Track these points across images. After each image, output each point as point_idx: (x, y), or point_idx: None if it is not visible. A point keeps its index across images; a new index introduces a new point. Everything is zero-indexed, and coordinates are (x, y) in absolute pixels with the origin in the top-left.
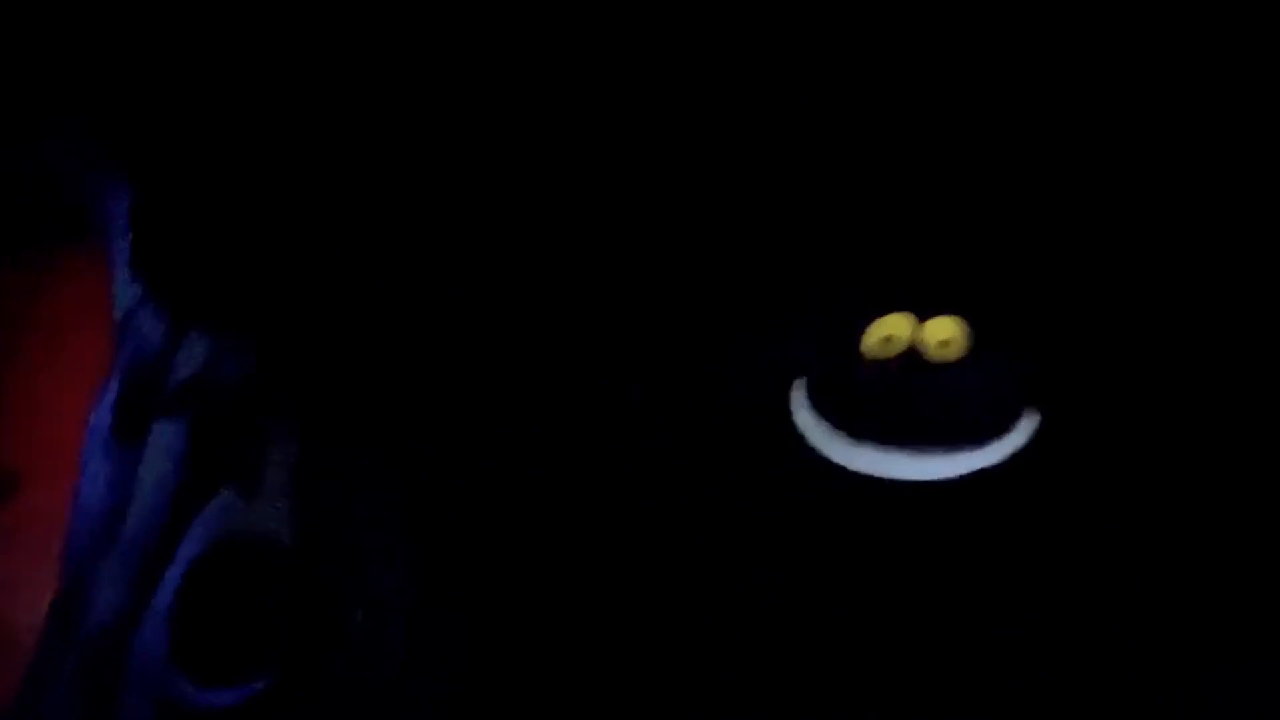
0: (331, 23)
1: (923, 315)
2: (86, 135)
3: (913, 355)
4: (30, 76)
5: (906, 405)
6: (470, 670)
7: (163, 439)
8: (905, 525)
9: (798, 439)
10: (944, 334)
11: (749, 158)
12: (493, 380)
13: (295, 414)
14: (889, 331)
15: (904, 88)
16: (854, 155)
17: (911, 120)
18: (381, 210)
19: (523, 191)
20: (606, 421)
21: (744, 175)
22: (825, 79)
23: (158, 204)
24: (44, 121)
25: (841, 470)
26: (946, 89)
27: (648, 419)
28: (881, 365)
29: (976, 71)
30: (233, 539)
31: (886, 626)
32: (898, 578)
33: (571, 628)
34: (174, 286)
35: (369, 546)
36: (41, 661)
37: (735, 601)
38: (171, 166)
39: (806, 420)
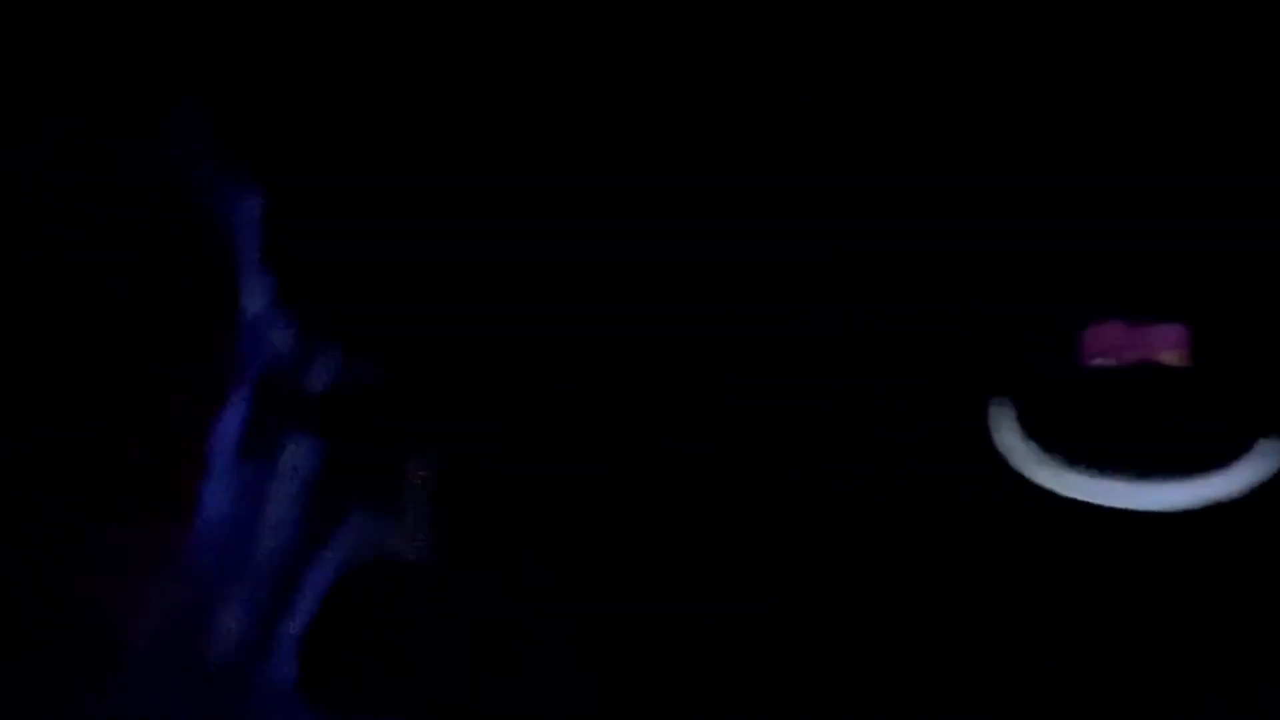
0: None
1: (1147, 322)
2: (212, 133)
3: (1137, 367)
4: (155, 69)
5: (1127, 424)
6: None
7: (293, 455)
8: (1119, 559)
9: (998, 461)
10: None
11: (945, 151)
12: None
13: (434, 429)
14: (1108, 340)
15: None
16: (1069, 142)
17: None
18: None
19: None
20: (792, 442)
21: (938, 169)
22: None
23: (290, 204)
24: (167, 119)
25: (1049, 495)
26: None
27: (831, 440)
28: (1099, 379)
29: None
30: (367, 563)
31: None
32: (1104, 617)
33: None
34: (306, 292)
35: (505, 571)
36: (163, 689)
37: (914, 640)
38: (306, 164)
39: (1010, 441)
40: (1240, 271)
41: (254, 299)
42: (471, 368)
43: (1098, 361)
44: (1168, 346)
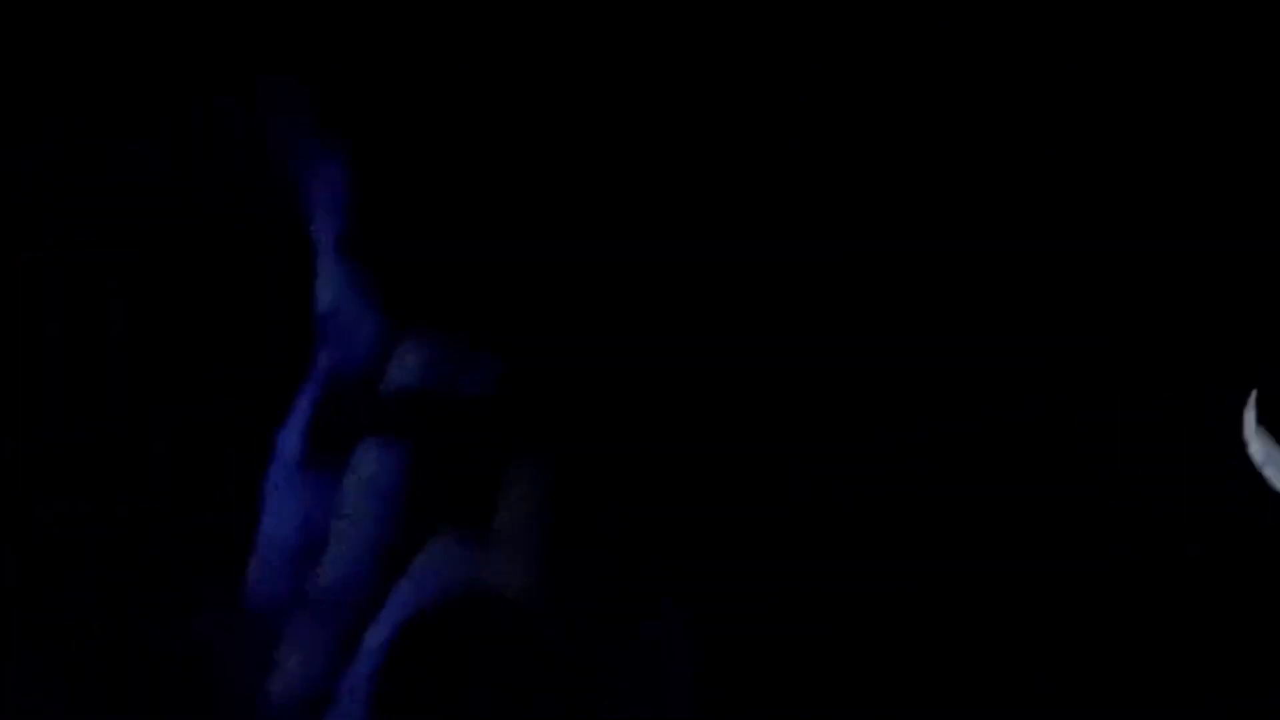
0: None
1: None
2: (299, 98)
3: None
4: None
5: None
6: None
7: (369, 466)
8: None
9: (1251, 472)
10: None
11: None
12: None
13: (542, 437)
14: None
15: None
16: None
17: None
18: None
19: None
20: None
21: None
22: None
23: (376, 178)
24: (253, 82)
25: None
26: None
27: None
28: None
29: None
30: (454, 595)
31: None
32: None
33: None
34: (390, 277)
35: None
36: None
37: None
38: (394, 133)
39: (1265, 449)
40: None
41: (329, 279)
42: (594, 363)
43: None
44: None
